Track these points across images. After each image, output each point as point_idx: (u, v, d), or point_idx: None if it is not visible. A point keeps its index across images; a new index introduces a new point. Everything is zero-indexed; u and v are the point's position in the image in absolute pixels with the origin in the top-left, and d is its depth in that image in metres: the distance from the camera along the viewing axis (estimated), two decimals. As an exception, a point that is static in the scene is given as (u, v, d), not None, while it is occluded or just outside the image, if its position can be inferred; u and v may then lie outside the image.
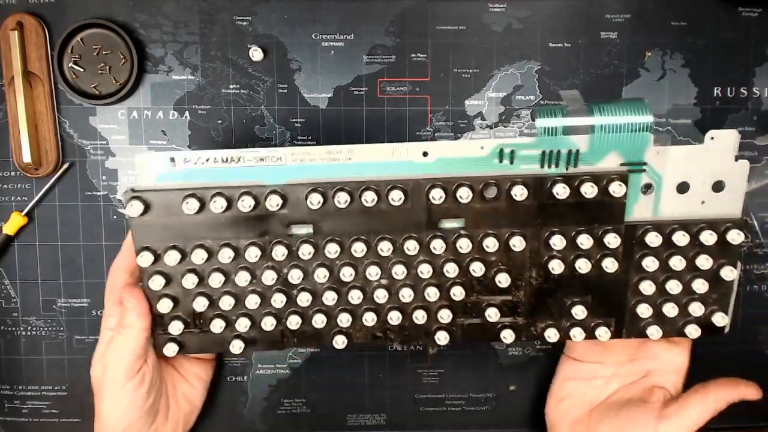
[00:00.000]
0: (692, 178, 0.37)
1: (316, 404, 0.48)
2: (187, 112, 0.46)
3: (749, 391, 0.39)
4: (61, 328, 0.47)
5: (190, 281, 0.37)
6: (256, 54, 0.45)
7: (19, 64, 0.44)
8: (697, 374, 0.48)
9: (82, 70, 0.45)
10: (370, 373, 0.48)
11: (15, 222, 0.46)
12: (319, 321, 0.39)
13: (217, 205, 0.36)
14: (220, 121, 0.46)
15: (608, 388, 0.42)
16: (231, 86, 0.46)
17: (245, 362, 0.48)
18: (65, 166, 0.46)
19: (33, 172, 0.45)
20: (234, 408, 0.48)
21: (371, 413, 0.48)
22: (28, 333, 0.47)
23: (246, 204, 0.36)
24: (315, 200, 0.36)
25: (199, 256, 0.37)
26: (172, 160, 0.36)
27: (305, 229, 0.37)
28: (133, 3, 0.45)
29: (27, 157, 0.44)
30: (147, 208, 0.36)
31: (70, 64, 0.45)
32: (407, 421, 0.48)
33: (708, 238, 0.37)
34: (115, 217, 0.46)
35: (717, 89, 0.46)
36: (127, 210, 0.36)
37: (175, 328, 0.38)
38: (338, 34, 0.46)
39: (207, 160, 0.36)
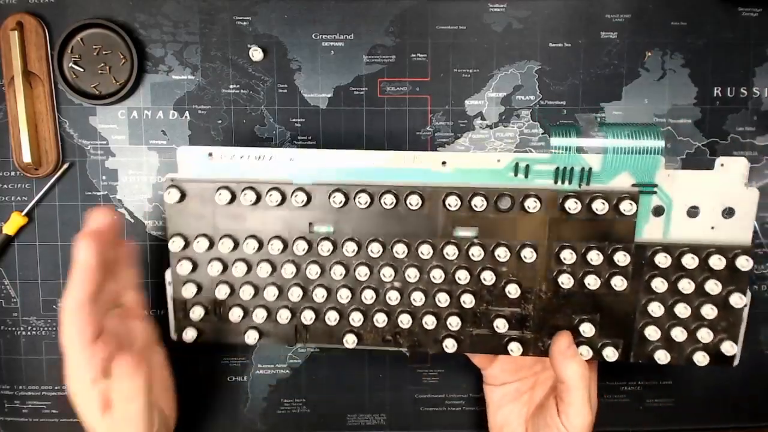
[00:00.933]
0: (702, 203, 0.38)
1: (316, 404, 0.48)
2: (187, 112, 0.46)
3: (562, 339, 0.38)
4: (61, 328, 0.47)
5: (215, 269, 0.39)
6: (256, 54, 0.45)
7: (19, 64, 0.44)
8: (698, 374, 0.48)
9: (82, 70, 0.45)
10: (370, 373, 0.48)
11: (15, 222, 0.46)
12: (332, 318, 0.40)
13: (247, 198, 0.38)
14: (220, 121, 0.46)
15: (535, 399, 0.43)
16: (231, 86, 0.46)
17: (245, 362, 0.48)
18: (65, 166, 0.46)
19: (33, 172, 0.45)
20: (234, 408, 0.48)
21: (371, 413, 0.48)
22: (28, 333, 0.47)
23: (273, 199, 0.38)
24: (338, 200, 0.38)
25: (226, 246, 0.39)
26: (210, 154, 0.39)
27: (326, 228, 0.39)
28: (133, 3, 0.45)
29: (27, 157, 0.44)
30: (183, 196, 0.39)
31: (70, 64, 0.45)
32: (407, 421, 0.48)
33: (717, 262, 0.37)
34: (114, 217, 0.46)
35: (717, 89, 0.46)
36: (165, 197, 0.39)
37: (196, 313, 0.40)
38: (338, 34, 0.46)
39: (241, 157, 0.39)
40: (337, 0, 0.46)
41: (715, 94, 0.47)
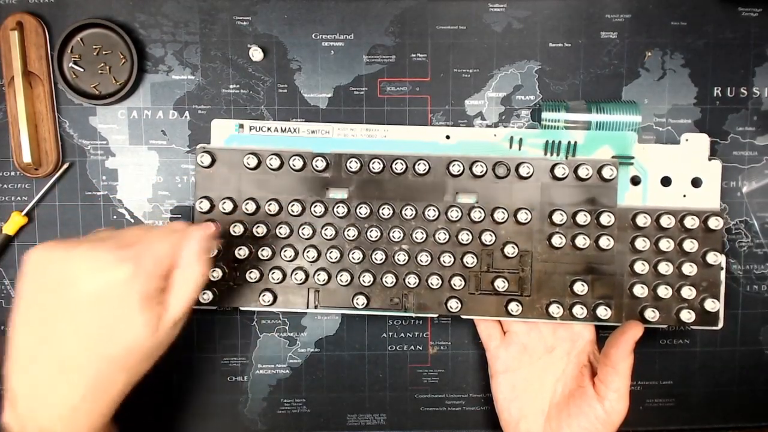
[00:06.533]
0: (673, 174, 0.43)
1: (316, 404, 0.48)
2: (187, 112, 0.46)
3: (636, 330, 0.40)
4: (61, 328, 0.47)
5: (237, 230, 0.43)
6: (256, 54, 0.45)
7: (19, 64, 0.44)
8: (698, 374, 0.48)
9: (82, 70, 0.45)
10: (370, 373, 0.48)
11: (15, 222, 0.46)
12: (343, 280, 0.43)
13: (273, 163, 0.43)
14: (220, 121, 0.46)
15: (546, 388, 0.43)
16: (231, 86, 0.46)
17: (245, 362, 0.48)
18: (65, 166, 0.46)
19: (33, 172, 0.45)
20: (234, 408, 0.48)
21: (371, 413, 0.48)
22: (28, 333, 0.47)
23: (296, 164, 0.43)
24: (353, 166, 0.43)
25: (248, 208, 0.43)
26: (241, 126, 0.44)
27: (341, 193, 0.43)
28: (133, 3, 0.45)
29: (27, 157, 0.44)
30: (213, 161, 0.43)
31: (70, 64, 0.45)
32: (407, 421, 0.48)
33: (691, 222, 0.42)
34: (114, 217, 0.46)
35: (717, 89, 0.46)
36: (197, 160, 0.43)
37: (215, 275, 0.43)
38: (338, 34, 0.46)
39: (268, 129, 0.44)
40: (337, 0, 0.46)
41: (715, 94, 0.47)
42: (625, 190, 0.43)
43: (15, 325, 0.33)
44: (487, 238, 0.42)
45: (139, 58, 0.45)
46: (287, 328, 0.47)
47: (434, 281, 0.43)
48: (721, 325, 0.43)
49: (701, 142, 0.43)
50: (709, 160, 0.43)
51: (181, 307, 0.35)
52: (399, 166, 0.42)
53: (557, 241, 0.43)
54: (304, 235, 0.43)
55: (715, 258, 0.42)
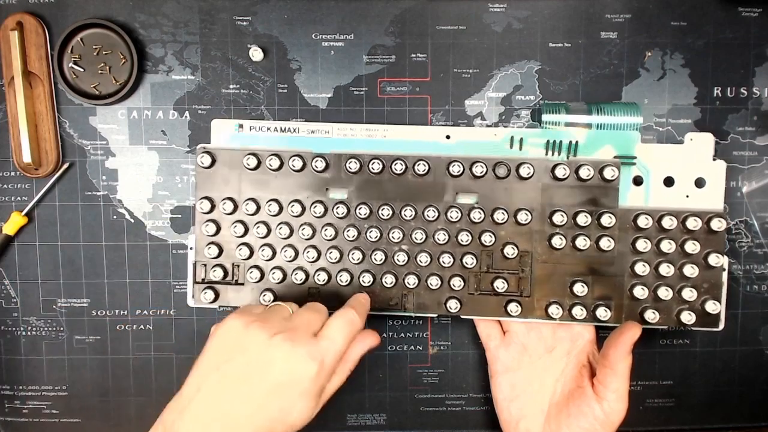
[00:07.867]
0: (677, 174, 0.43)
1: (316, 404, 0.48)
2: (187, 112, 0.46)
3: (634, 331, 0.40)
4: (61, 328, 0.47)
5: (237, 231, 0.43)
6: (256, 54, 0.45)
7: (19, 64, 0.44)
8: (698, 374, 0.48)
9: (82, 70, 0.45)
10: (370, 373, 0.48)
11: (15, 222, 0.46)
12: (343, 280, 0.43)
13: (272, 163, 0.43)
14: (220, 121, 0.46)
15: (546, 388, 0.43)
16: (231, 86, 0.46)
17: (245, 362, 0.48)
18: (65, 166, 0.46)
19: (33, 172, 0.45)
20: (234, 408, 0.48)
21: (371, 413, 0.48)
22: (28, 333, 0.47)
23: (296, 165, 0.43)
24: (353, 166, 0.43)
25: (249, 209, 0.43)
26: (240, 126, 0.44)
27: (341, 193, 0.43)
28: (133, 3, 0.45)
29: (27, 157, 0.44)
30: (213, 162, 0.43)
31: (70, 64, 0.45)
32: (407, 421, 0.48)
33: (694, 224, 0.42)
34: (114, 217, 0.47)
35: (717, 89, 0.46)
36: (197, 160, 0.43)
37: (215, 275, 0.44)
38: (338, 34, 0.46)
39: (268, 129, 0.44)
40: (337, 0, 0.46)
41: (715, 94, 0.47)
42: (627, 190, 0.43)
43: (195, 376, 0.35)
44: (487, 238, 0.42)
45: (139, 58, 0.45)
46: (287, 328, 0.47)
47: (434, 281, 0.43)
48: (722, 326, 0.43)
49: (706, 141, 0.43)
50: (714, 160, 0.43)
51: (331, 394, 0.38)
52: (399, 167, 0.42)
53: (557, 242, 0.42)
54: (304, 235, 0.43)
55: (717, 260, 0.42)
